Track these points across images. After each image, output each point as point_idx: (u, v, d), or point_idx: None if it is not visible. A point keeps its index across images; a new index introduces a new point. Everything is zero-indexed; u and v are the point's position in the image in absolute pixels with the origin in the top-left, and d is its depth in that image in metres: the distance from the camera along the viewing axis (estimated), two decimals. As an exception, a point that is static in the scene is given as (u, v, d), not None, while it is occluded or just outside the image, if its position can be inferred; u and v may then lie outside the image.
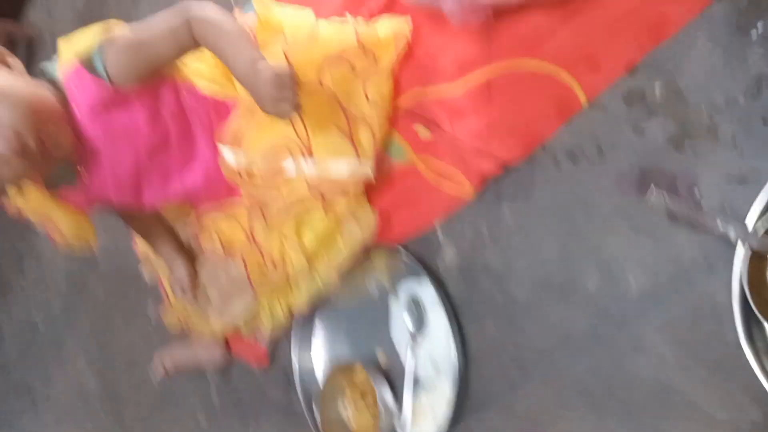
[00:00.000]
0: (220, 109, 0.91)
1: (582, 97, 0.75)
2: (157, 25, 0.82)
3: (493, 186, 0.83)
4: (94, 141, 0.84)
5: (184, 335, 1.19)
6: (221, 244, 1.02)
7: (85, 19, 1.85)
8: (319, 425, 0.98)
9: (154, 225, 1.08)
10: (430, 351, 0.88)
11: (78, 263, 1.77)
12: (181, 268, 1.06)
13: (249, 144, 0.89)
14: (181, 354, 1.20)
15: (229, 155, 0.89)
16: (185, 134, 0.90)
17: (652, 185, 0.67)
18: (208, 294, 1.09)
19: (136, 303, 1.49)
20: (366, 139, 0.90)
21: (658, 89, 0.70)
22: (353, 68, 0.89)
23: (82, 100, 0.82)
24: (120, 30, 0.83)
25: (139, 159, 0.88)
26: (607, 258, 0.73)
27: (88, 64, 0.80)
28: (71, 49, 0.82)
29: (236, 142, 0.89)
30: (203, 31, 0.81)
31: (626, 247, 0.72)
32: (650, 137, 0.70)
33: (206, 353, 1.18)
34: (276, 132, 0.89)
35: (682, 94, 0.68)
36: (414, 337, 0.89)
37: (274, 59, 0.85)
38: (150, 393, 1.44)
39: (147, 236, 1.10)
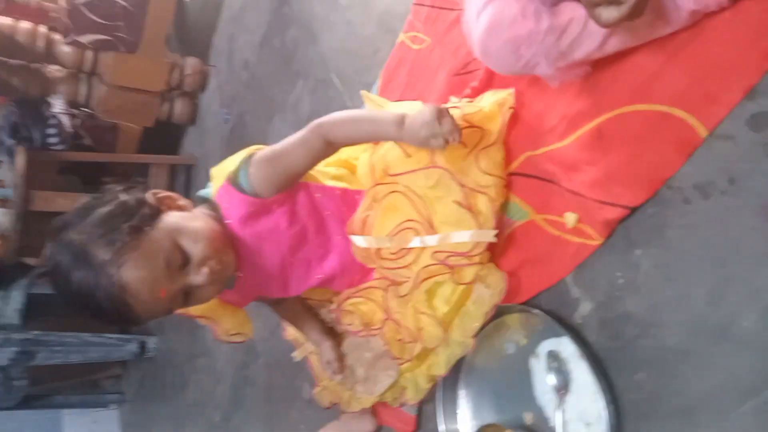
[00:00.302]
0: (348, 200, 1.00)
1: (701, 130, 0.73)
2: (290, 140, 0.92)
3: (622, 232, 0.82)
4: (246, 247, 0.94)
5: (336, 411, 1.24)
6: (362, 324, 1.08)
7: (230, 143, 2.12)
8: None
9: (300, 312, 1.18)
10: (579, 409, 0.84)
11: (241, 355, 1.93)
12: (329, 351, 1.14)
13: (376, 230, 0.97)
14: (336, 429, 1.25)
15: (360, 242, 0.98)
16: (320, 228, 1.00)
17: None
18: (355, 372, 1.16)
19: (294, 386, 1.58)
20: (485, 207, 0.93)
21: (785, 108, 0.67)
22: (464, 145, 0.94)
23: (233, 214, 0.92)
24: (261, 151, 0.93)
25: (284, 257, 0.98)
26: (764, 292, 0.67)
27: (234, 181, 0.90)
28: (222, 173, 0.93)
29: (365, 230, 0.97)
30: (338, 130, 0.92)
31: (782, 279, 0.66)
32: (787, 157, 0.66)
33: (358, 425, 1.23)
34: (400, 215, 0.96)
35: (813, 108, 0.65)
36: (560, 395, 0.87)
37: (388, 152, 0.95)
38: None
39: (295, 322, 1.20)
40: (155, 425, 2.80)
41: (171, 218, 0.88)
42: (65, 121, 2.20)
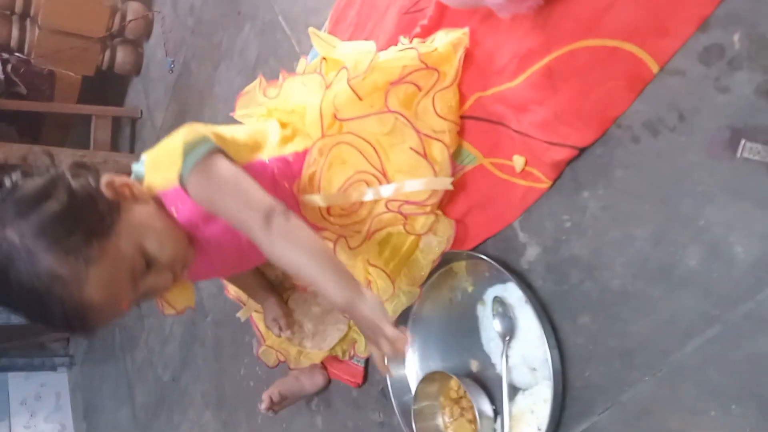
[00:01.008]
0: (287, 173, 0.90)
1: (652, 65, 0.71)
2: (241, 198, 0.76)
3: (570, 174, 0.80)
4: (200, 242, 0.84)
5: (285, 367, 1.22)
6: None
7: (176, 93, 2.02)
8: (414, 427, 0.95)
9: (247, 275, 1.12)
10: (524, 354, 0.83)
11: (189, 313, 1.88)
12: (274, 307, 1.10)
13: (325, 186, 0.90)
14: (287, 385, 1.23)
15: (312, 201, 0.90)
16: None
17: (744, 141, 0.61)
18: (303, 327, 1.13)
19: (242, 342, 1.55)
20: (440, 154, 0.90)
21: (737, 41, 0.64)
22: (419, 88, 0.90)
23: (181, 215, 0.81)
24: (204, 138, 0.78)
25: (241, 245, 0.86)
26: (708, 231, 0.66)
27: (183, 184, 0.76)
28: (158, 165, 0.79)
29: (313, 188, 0.90)
30: (285, 251, 0.75)
31: (728, 216, 0.65)
32: (736, 93, 0.64)
33: (309, 380, 1.21)
34: (348, 167, 0.91)
35: (767, 39, 0.62)
36: (506, 341, 0.85)
37: (338, 95, 0.88)
38: (262, 425, 1.47)
39: (237, 282, 1.15)
40: (105, 386, 2.74)
41: (132, 218, 0.75)
42: (-4, 66, 2.05)
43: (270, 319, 1.10)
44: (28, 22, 2.15)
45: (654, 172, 0.71)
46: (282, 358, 1.19)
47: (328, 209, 0.92)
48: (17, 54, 2.12)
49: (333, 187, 0.91)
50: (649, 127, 0.71)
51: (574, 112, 0.77)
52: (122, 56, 2.28)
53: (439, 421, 0.89)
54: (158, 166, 0.79)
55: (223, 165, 0.77)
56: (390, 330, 0.73)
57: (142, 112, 2.33)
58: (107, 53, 2.27)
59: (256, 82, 1.07)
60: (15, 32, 2.13)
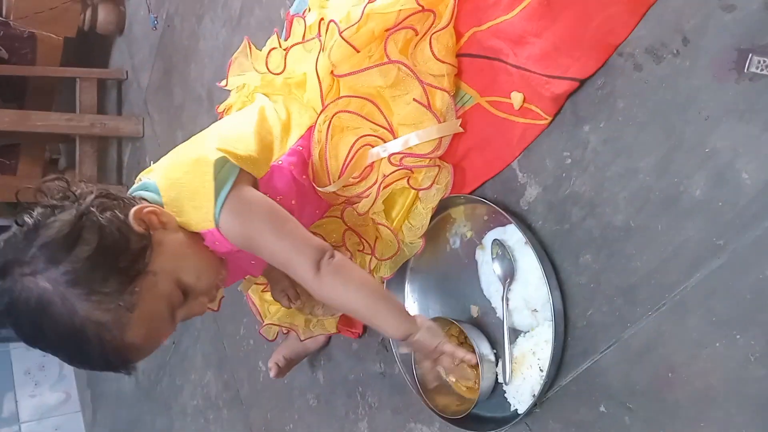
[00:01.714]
0: (298, 163, 0.89)
1: (656, -14, 0.67)
2: (284, 244, 0.76)
3: (570, 108, 0.77)
4: (231, 259, 0.81)
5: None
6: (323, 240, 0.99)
7: (161, 51, 1.96)
8: (418, 383, 0.95)
9: None
10: (525, 296, 0.82)
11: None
12: (281, 279, 1.04)
13: (333, 162, 0.88)
14: (290, 348, 1.21)
15: (328, 191, 0.90)
16: (302, 199, 0.90)
17: (752, 55, 0.58)
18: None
19: (242, 303, 1.54)
20: (443, 103, 0.87)
21: (744, -45, 0.61)
22: (416, 32, 0.86)
23: (218, 248, 0.76)
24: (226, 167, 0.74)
25: None
26: (713, 158, 0.64)
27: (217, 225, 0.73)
28: (178, 197, 0.75)
29: (323, 166, 0.89)
30: (336, 294, 0.78)
31: (734, 140, 0.62)
32: (743, 10, 0.61)
33: (311, 339, 1.19)
34: (352, 133, 0.89)
35: (776, -48, 0.59)
36: (506, 284, 0.84)
37: (333, 52, 0.85)
38: (264, 383, 1.48)
39: None
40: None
41: (165, 251, 0.71)
42: (-26, 30, 1.98)
43: (278, 291, 1.05)
44: (4, -17, 2.08)
45: (657, 101, 0.68)
46: (285, 331, 1.15)
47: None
48: (-5, 16, 2.05)
49: (340, 158, 0.89)
50: (652, 53, 0.68)
51: (574, 42, 0.74)
52: (104, 15, 2.21)
53: (440, 367, 0.88)
54: (179, 199, 0.75)
55: (254, 199, 0.76)
56: (448, 347, 0.81)
57: (127, 73, 2.27)
58: (88, 12, 2.20)
59: (243, 46, 1.03)
60: (-9, -6, 2.06)
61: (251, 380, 1.53)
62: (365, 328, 1.13)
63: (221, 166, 0.74)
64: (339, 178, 0.89)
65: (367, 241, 0.96)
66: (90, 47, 2.51)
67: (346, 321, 1.15)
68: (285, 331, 1.16)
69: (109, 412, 2.75)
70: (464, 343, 0.88)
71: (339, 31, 0.84)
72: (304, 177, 0.89)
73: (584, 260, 0.76)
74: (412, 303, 1.01)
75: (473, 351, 0.83)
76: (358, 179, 0.91)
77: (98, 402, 2.94)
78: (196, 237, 0.75)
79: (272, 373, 1.17)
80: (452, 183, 0.91)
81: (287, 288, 1.03)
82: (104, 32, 2.28)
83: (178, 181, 0.75)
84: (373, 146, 0.89)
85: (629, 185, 0.71)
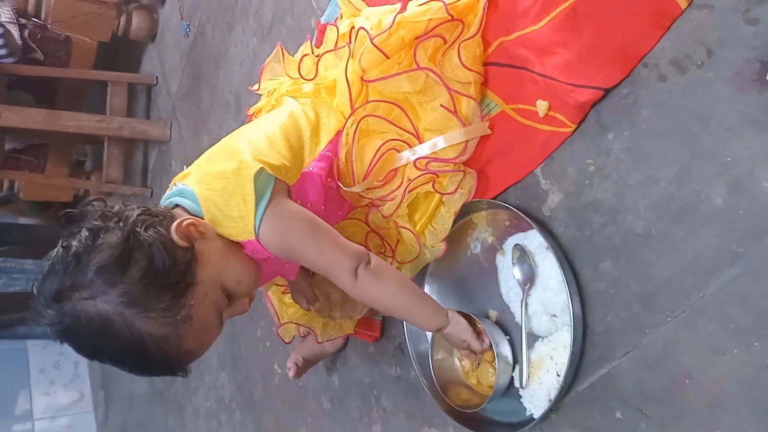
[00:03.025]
0: (326, 166, 0.91)
1: (680, 0, 0.69)
2: (323, 253, 0.81)
3: (594, 117, 0.78)
4: (267, 262, 0.84)
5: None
6: None
7: (191, 59, 2.02)
8: (433, 374, 0.95)
9: None
10: (544, 301, 0.83)
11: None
12: (299, 281, 1.06)
13: (359, 164, 0.91)
14: (308, 349, 1.22)
15: (352, 191, 0.92)
16: (332, 204, 0.94)
17: (775, 67, 0.59)
18: (330, 297, 1.08)
19: (259, 305, 1.56)
20: (468, 108, 0.89)
21: (769, -29, 0.63)
22: (444, 40, 0.89)
23: (256, 257, 0.80)
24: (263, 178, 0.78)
25: None
26: (734, 167, 0.65)
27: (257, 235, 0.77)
28: (217, 208, 0.77)
29: (349, 167, 0.91)
30: (385, 283, 0.84)
31: (755, 150, 0.64)
32: (765, 23, 0.63)
33: (330, 343, 1.21)
34: (378, 137, 0.91)
35: (800, -32, 0.61)
36: (525, 289, 0.85)
37: (363, 57, 0.88)
38: (278, 385, 1.49)
39: None
40: (122, 354, 2.77)
41: (207, 261, 0.74)
42: (14, 32, 2.05)
43: (296, 293, 1.07)
44: (44, -12, 2.15)
45: (680, 111, 0.70)
46: (303, 333, 1.17)
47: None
48: (34, 19, 2.12)
49: (365, 162, 0.91)
50: (677, 65, 0.70)
51: (599, 52, 0.76)
52: (137, 22, 2.27)
53: (457, 363, 0.90)
54: (218, 209, 0.77)
55: (292, 211, 0.80)
56: (475, 344, 0.87)
57: (157, 78, 2.32)
58: (122, 19, 2.27)
59: (276, 51, 1.06)
60: (31, -2, 2.13)
61: (265, 382, 1.54)
62: (382, 331, 1.14)
63: (258, 176, 0.77)
64: (363, 180, 0.92)
65: (389, 244, 0.98)
66: (122, 52, 2.58)
67: (363, 324, 1.17)
68: (303, 335, 1.18)
69: (122, 413, 2.77)
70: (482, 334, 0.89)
71: (370, 37, 0.87)
72: (329, 180, 0.92)
73: (604, 266, 0.77)
74: (430, 306, 1.02)
75: (491, 349, 0.85)
76: (382, 182, 0.93)
77: (111, 402, 2.96)
78: (236, 244, 0.78)
79: (291, 373, 1.19)
80: (475, 188, 0.92)
81: (305, 290, 1.05)
82: (137, 38, 2.34)
83: (217, 191, 0.78)
84: (398, 151, 0.91)
85: (650, 193, 0.72)
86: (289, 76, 1.02)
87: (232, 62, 1.72)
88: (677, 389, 0.69)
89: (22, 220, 3.26)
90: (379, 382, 1.15)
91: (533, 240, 0.85)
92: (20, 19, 2.08)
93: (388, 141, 0.91)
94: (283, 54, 1.05)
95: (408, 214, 0.96)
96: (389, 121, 0.91)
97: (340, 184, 0.92)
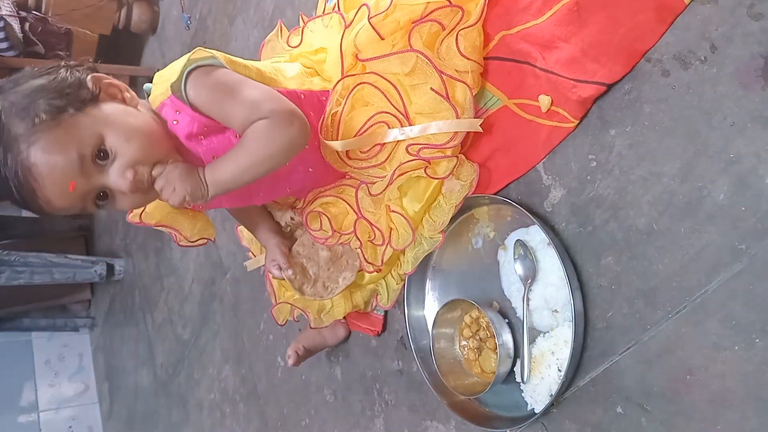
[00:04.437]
0: (313, 103, 0.90)
1: (685, -5, 0.68)
2: (245, 89, 0.78)
3: (596, 112, 0.78)
4: (197, 161, 0.83)
5: (303, 322, 1.22)
6: (331, 226, 1.00)
7: (191, 50, 2.01)
8: (435, 364, 0.95)
9: (252, 211, 1.10)
10: (545, 296, 0.83)
11: (209, 271, 1.90)
12: (275, 248, 1.06)
13: (346, 127, 0.90)
14: (309, 339, 1.23)
15: (335, 146, 0.90)
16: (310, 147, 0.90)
17: (779, 63, 0.59)
18: (308, 272, 1.07)
19: (260, 298, 1.57)
20: (463, 96, 0.88)
21: (774, -34, 0.62)
22: (442, 26, 0.88)
23: (178, 130, 0.81)
24: (211, 55, 0.80)
25: None
26: (737, 164, 0.65)
27: (179, 94, 0.78)
28: (164, 80, 0.81)
29: (334, 128, 0.90)
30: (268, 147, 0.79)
31: (758, 147, 0.63)
32: (772, 19, 0.62)
33: (330, 332, 1.22)
34: (371, 108, 0.90)
35: (806, -38, 0.60)
36: (527, 284, 0.85)
37: (359, 35, 0.87)
38: (281, 378, 1.50)
39: (243, 218, 1.12)
40: (126, 347, 2.80)
41: (107, 108, 0.77)
42: (15, 25, 2.04)
43: (269, 260, 1.06)
44: (44, -19, 2.15)
45: (683, 106, 0.69)
46: (296, 317, 1.17)
47: (347, 152, 0.91)
48: (34, 12, 2.12)
49: (354, 128, 0.90)
50: (680, 60, 0.70)
51: (602, 48, 0.75)
52: (138, 14, 2.27)
53: (458, 352, 0.90)
54: (161, 79, 0.81)
55: (228, 72, 0.80)
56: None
57: (158, 71, 2.32)
58: (123, 11, 2.26)
59: (276, 29, 1.06)
60: (32, -9, 2.13)
61: (269, 375, 1.55)
62: (384, 326, 1.14)
63: (207, 55, 0.79)
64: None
65: (379, 230, 0.96)
66: (123, 45, 2.57)
67: (365, 319, 1.17)
68: (296, 318, 1.17)
69: (126, 405, 2.79)
70: (482, 328, 0.89)
71: (368, 16, 0.86)
72: (311, 113, 0.88)
73: (606, 262, 0.77)
74: (432, 300, 1.02)
75: (493, 337, 0.85)
76: (366, 153, 0.91)
77: (115, 394, 2.98)
78: (157, 118, 0.80)
79: (291, 361, 1.19)
80: (477, 182, 0.92)
81: (278, 258, 1.05)
82: (138, 31, 2.34)
83: (168, 66, 0.82)
84: (388, 125, 0.89)
85: (653, 189, 0.72)
86: (286, 47, 1.01)
87: (234, 54, 1.71)
88: (679, 385, 0.69)
89: (25, 213, 3.27)
90: (381, 376, 1.16)
91: (535, 235, 0.85)
92: (21, 12, 2.07)
93: (379, 113, 0.89)
94: (281, 30, 1.04)
95: (398, 198, 0.95)
96: (383, 93, 0.89)
97: (321, 137, 0.89)
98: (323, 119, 0.89)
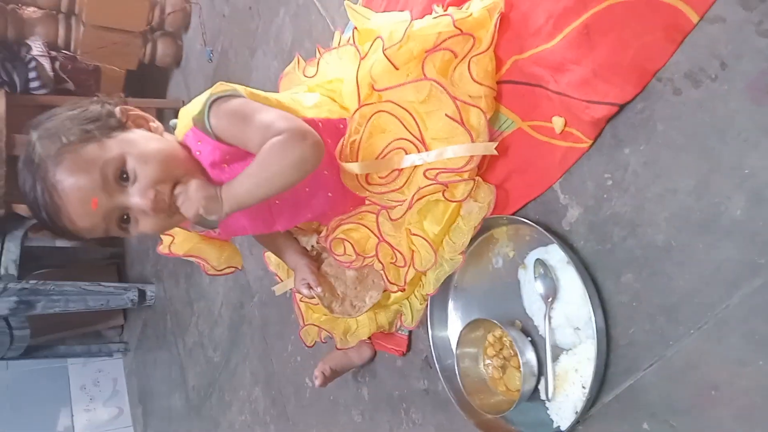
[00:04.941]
0: (331, 130, 0.93)
1: (692, 15, 0.70)
2: (266, 118, 0.81)
3: (610, 132, 0.79)
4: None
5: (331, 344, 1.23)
6: (354, 250, 1.02)
7: (215, 82, 2.07)
8: (461, 383, 0.96)
9: (280, 238, 1.12)
10: (567, 314, 0.84)
11: (237, 295, 1.94)
12: (304, 269, 1.08)
13: (364, 154, 0.92)
14: (336, 360, 1.25)
15: (352, 168, 0.92)
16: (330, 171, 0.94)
17: (787, 80, 0.60)
18: (335, 292, 1.09)
19: (289, 321, 1.59)
20: (477, 121, 0.90)
21: (780, -17, 0.63)
22: (455, 54, 0.90)
23: (202, 159, 0.84)
24: (233, 89, 0.83)
25: (269, 201, 0.90)
26: (752, 178, 0.65)
27: (201, 125, 0.81)
28: (188, 115, 0.84)
29: (353, 156, 0.92)
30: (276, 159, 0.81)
31: (772, 162, 0.64)
32: (779, 36, 0.63)
33: (356, 353, 1.24)
34: (388, 135, 0.92)
35: (810, -21, 0.61)
36: (548, 303, 0.86)
37: (374, 66, 0.90)
38: (310, 399, 1.51)
39: (270, 243, 1.14)
40: (158, 371, 2.85)
41: (132, 134, 0.81)
42: (45, 64, 2.14)
43: (299, 279, 1.07)
44: (73, 20, 2.24)
45: (696, 124, 0.70)
46: (323, 338, 1.18)
47: (366, 177, 0.94)
48: (64, 51, 2.21)
49: (372, 154, 0.92)
50: (691, 78, 0.71)
51: (613, 69, 0.76)
52: (163, 49, 2.35)
53: (483, 371, 0.91)
54: (185, 113, 0.85)
55: (246, 100, 0.83)
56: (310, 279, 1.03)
57: (184, 102, 2.39)
58: (148, 47, 2.34)
59: (294, 62, 1.09)
60: (61, 31, 2.22)
61: (298, 396, 1.57)
62: (409, 346, 1.16)
63: (229, 88, 0.83)
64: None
65: (401, 253, 0.98)
66: (149, 79, 2.66)
67: (390, 339, 1.19)
68: (323, 340, 1.18)
69: (160, 428, 2.83)
70: (505, 347, 0.90)
71: (383, 48, 0.89)
72: (329, 140, 0.91)
73: (626, 279, 0.78)
74: (455, 320, 1.04)
75: (517, 355, 0.86)
76: (384, 179, 0.93)
77: (149, 417, 3.03)
78: (178, 144, 0.84)
79: (318, 382, 1.21)
80: (495, 203, 0.94)
81: (306, 276, 1.06)
82: (163, 65, 2.42)
83: (193, 101, 0.85)
84: (406, 151, 0.91)
85: (669, 206, 0.73)
86: (303, 78, 1.04)
87: (255, 85, 1.74)
88: (704, 401, 0.69)
89: (59, 243, 3.37)
90: (407, 396, 1.17)
91: (554, 254, 0.86)
92: (51, 51, 2.16)
93: (396, 140, 0.91)
94: (298, 62, 1.07)
95: (418, 221, 0.97)
96: (400, 120, 0.91)
97: (339, 160, 0.91)
98: (342, 144, 0.92)
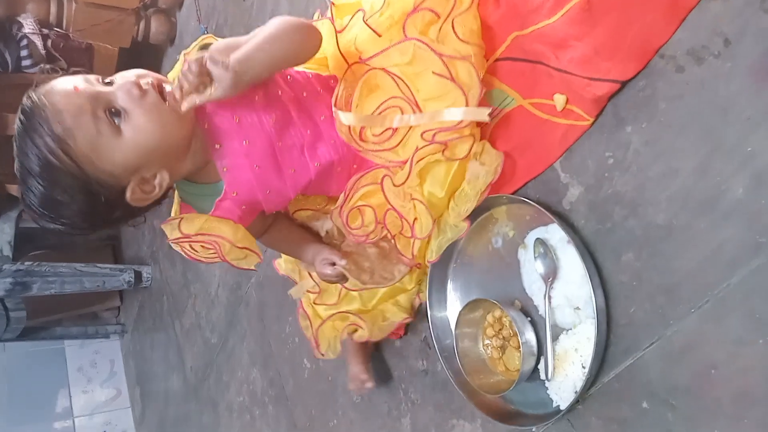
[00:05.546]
0: (322, 82, 0.95)
1: (697, -10, 0.68)
2: (256, 41, 0.85)
3: (611, 110, 0.78)
4: (225, 135, 0.87)
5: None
6: (375, 217, 0.97)
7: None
8: (460, 363, 0.96)
9: (293, 235, 1.08)
10: (567, 294, 0.84)
11: (234, 277, 1.93)
12: (324, 250, 1.03)
13: (358, 109, 0.91)
14: (360, 356, 1.20)
15: (345, 119, 0.90)
16: (301, 108, 0.93)
17: (793, 57, 0.59)
18: (361, 264, 1.03)
19: (286, 302, 1.59)
20: (468, 75, 0.87)
21: (787, -42, 0.62)
22: (437, 15, 0.89)
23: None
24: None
25: (271, 141, 0.89)
26: (755, 158, 0.65)
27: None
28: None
29: (347, 107, 0.91)
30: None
31: (775, 141, 0.63)
32: (785, 12, 0.62)
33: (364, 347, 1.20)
34: (382, 93, 0.91)
35: (819, -46, 0.60)
36: (548, 282, 0.86)
37: (358, 36, 0.89)
38: (309, 380, 1.52)
39: (286, 246, 1.11)
40: (155, 352, 2.85)
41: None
42: (37, 42, 2.10)
43: (320, 260, 1.02)
44: (64, -2, 2.20)
45: (699, 102, 0.70)
46: (349, 334, 1.12)
47: (360, 134, 0.92)
48: (56, 29, 2.17)
49: (366, 111, 0.91)
50: (693, 55, 0.70)
51: (615, 46, 0.75)
52: (156, 26, 2.31)
53: (482, 351, 0.91)
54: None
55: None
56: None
57: (178, 82, 2.36)
58: (142, 24, 2.30)
59: None
60: (53, 8, 2.18)
61: (296, 377, 1.58)
62: (407, 328, 1.16)
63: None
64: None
65: (407, 221, 0.95)
66: (143, 57, 2.62)
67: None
68: (349, 333, 1.13)
69: (158, 409, 2.85)
70: (505, 327, 0.90)
71: (363, 18, 0.89)
72: (304, 94, 0.93)
73: (626, 259, 0.77)
74: (454, 300, 1.04)
75: (516, 335, 0.86)
76: (378, 137, 0.91)
77: (147, 399, 3.05)
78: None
79: (369, 384, 1.17)
80: (501, 170, 0.91)
81: (330, 255, 1.01)
82: (156, 42, 2.38)
83: None
84: (402, 110, 0.90)
85: (671, 185, 0.72)
86: None
87: (250, 63, 1.74)
88: (704, 380, 0.69)
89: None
90: (406, 376, 1.17)
91: (554, 234, 0.86)
92: (43, 29, 2.13)
93: (391, 98, 0.90)
94: None
95: (419, 185, 0.93)
96: (393, 76, 0.89)
97: (335, 108, 0.90)
98: (337, 94, 0.91)
